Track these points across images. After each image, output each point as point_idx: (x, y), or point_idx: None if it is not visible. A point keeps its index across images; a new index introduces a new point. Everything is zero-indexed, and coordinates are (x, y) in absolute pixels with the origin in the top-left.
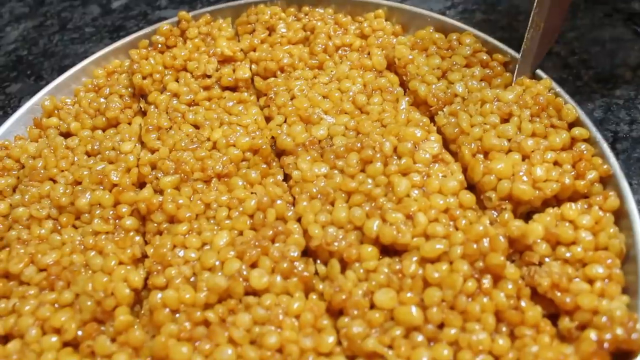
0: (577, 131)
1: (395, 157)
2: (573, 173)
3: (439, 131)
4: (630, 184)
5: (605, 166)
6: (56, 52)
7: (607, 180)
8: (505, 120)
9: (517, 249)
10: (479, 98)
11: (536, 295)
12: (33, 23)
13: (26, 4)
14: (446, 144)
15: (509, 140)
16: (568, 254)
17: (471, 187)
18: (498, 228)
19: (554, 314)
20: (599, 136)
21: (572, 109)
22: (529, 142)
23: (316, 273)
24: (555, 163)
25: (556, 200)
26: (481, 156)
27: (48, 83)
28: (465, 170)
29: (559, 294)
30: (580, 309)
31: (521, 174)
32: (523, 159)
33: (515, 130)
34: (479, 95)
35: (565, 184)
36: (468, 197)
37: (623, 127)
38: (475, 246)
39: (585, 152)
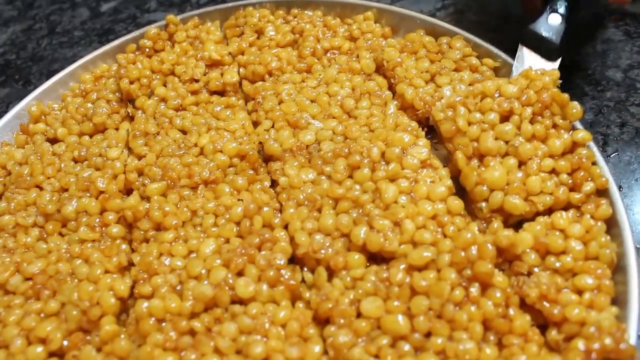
0: (580, 134)
1: (383, 163)
2: (570, 181)
3: (435, 126)
4: (620, 188)
5: (603, 179)
6: (45, 56)
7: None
8: (505, 118)
9: (506, 259)
10: (479, 90)
11: (525, 306)
12: (22, 27)
13: (15, 7)
14: (441, 139)
15: (507, 142)
16: (558, 264)
17: (463, 187)
18: (487, 236)
19: (542, 325)
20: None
21: (578, 106)
22: (527, 146)
23: (303, 281)
24: (552, 171)
25: (548, 210)
26: (475, 162)
27: (36, 88)
28: (459, 175)
29: (547, 304)
30: (568, 321)
31: (515, 184)
32: (519, 165)
33: (515, 132)
34: (480, 87)
35: (559, 198)
36: (456, 203)
37: (614, 130)
38: (463, 254)
39: (584, 160)
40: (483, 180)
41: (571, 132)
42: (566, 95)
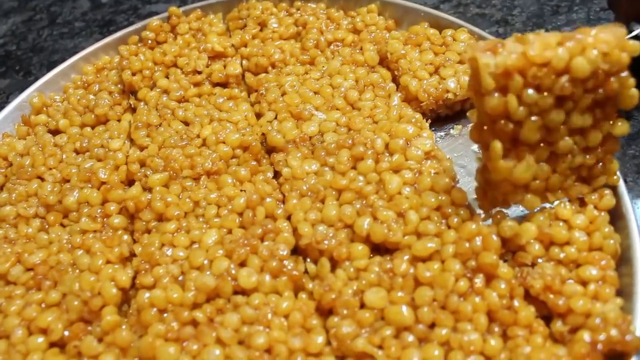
0: (619, 125)
1: (387, 154)
2: (586, 173)
3: (472, 95)
4: (626, 181)
5: (615, 176)
6: (45, 47)
7: None
8: (559, 100)
9: (510, 249)
10: (546, 58)
11: (529, 297)
12: (22, 18)
13: None
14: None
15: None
16: (562, 255)
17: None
18: (491, 227)
19: (547, 316)
20: None
21: (636, 93)
22: (567, 142)
23: (306, 272)
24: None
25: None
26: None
27: (37, 79)
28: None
29: (551, 296)
30: (573, 312)
31: (537, 182)
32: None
33: (562, 120)
34: (548, 54)
35: (571, 196)
36: (460, 195)
37: None
38: (467, 245)
39: (609, 155)
40: (512, 177)
41: (611, 122)
42: (632, 80)
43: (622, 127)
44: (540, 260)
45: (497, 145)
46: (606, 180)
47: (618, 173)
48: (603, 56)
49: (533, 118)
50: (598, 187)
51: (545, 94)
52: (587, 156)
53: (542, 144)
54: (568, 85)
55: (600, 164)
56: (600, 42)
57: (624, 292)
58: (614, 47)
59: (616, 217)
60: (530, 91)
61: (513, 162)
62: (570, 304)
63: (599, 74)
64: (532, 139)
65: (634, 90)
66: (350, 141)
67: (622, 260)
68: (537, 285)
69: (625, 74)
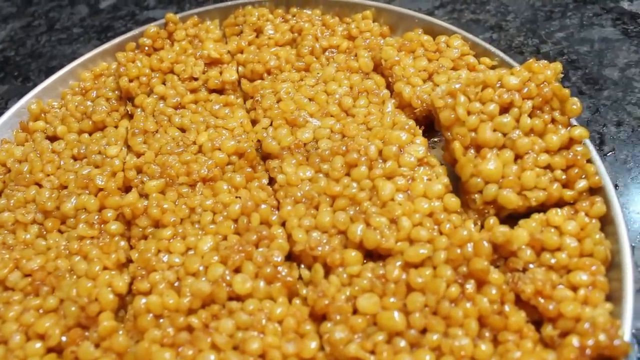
0: (577, 131)
1: (381, 161)
2: (564, 177)
3: (433, 113)
4: (616, 186)
5: (597, 177)
6: (44, 53)
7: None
8: (504, 109)
9: (502, 255)
10: (481, 79)
11: (520, 302)
12: (21, 23)
13: (14, 3)
14: (439, 127)
15: (505, 134)
16: (553, 260)
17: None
18: (483, 233)
19: (538, 321)
20: (587, 141)
21: (577, 102)
22: (524, 140)
23: (300, 278)
24: (547, 167)
25: (541, 205)
26: (472, 152)
27: (35, 84)
28: (454, 163)
29: (542, 300)
30: (563, 317)
31: (510, 178)
32: (515, 159)
33: (513, 124)
34: (482, 76)
35: (552, 194)
36: (453, 201)
37: (610, 129)
38: (459, 251)
39: (579, 157)
40: (479, 172)
41: (569, 128)
42: (567, 91)
43: (580, 133)
44: (531, 266)
45: (456, 145)
46: (588, 183)
47: (602, 174)
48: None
49: (484, 123)
50: (583, 190)
51: (489, 104)
52: (555, 158)
53: (504, 146)
54: (504, 96)
55: (576, 169)
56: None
57: (613, 296)
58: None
59: (606, 222)
60: (477, 104)
61: (477, 160)
62: (561, 309)
63: (530, 86)
64: (489, 141)
65: (573, 100)
66: (344, 148)
67: (612, 265)
68: (528, 290)
69: (556, 83)
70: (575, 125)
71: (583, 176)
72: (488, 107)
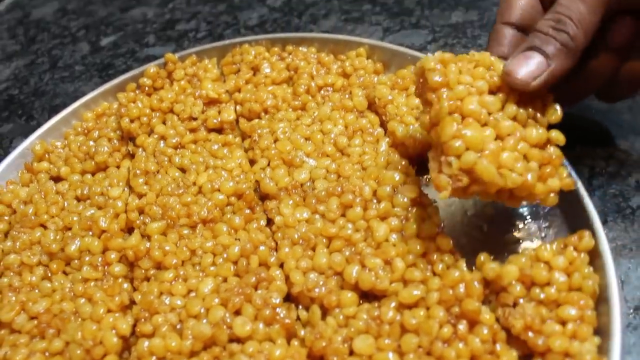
0: (553, 133)
1: (375, 201)
2: (539, 172)
3: (420, 79)
4: (606, 221)
5: (568, 179)
6: (47, 91)
7: (582, 218)
8: (492, 92)
9: (494, 290)
10: (475, 58)
11: (510, 337)
12: (24, 61)
13: (18, 41)
14: (423, 91)
15: (490, 113)
16: (542, 295)
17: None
18: (474, 274)
19: (528, 355)
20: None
21: (558, 110)
22: (507, 123)
23: (298, 318)
24: (525, 157)
25: (509, 194)
26: (457, 116)
27: (39, 123)
28: (431, 129)
29: (531, 335)
30: (552, 351)
31: (487, 152)
32: (495, 139)
33: (499, 107)
34: (476, 55)
35: (527, 182)
36: (445, 240)
37: (599, 163)
38: (451, 292)
39: (554, 156)
40: (462, 135)
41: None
42: (550, 95)
43: (557, 136)
44: (521, 301)
45: (444, 104)
46: (560, 183)
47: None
48: None
49: (471, 96)
50: (554, 189)
51: (479, 80)
52: (533, 149)
53: (486, 125)
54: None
55: (549, 167)
56: None
57: (601, 331)
58: None
59: (594, 255)
60: (467, 77)
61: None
62: (549, 343)
63: None
64: (474, 112)
65: (555, 106)
66: (339, 188)
67: (600, 299)
68: (518, 325)
69: None
70: (553, 129)
71: (555, 176)
72: (477, 82)
